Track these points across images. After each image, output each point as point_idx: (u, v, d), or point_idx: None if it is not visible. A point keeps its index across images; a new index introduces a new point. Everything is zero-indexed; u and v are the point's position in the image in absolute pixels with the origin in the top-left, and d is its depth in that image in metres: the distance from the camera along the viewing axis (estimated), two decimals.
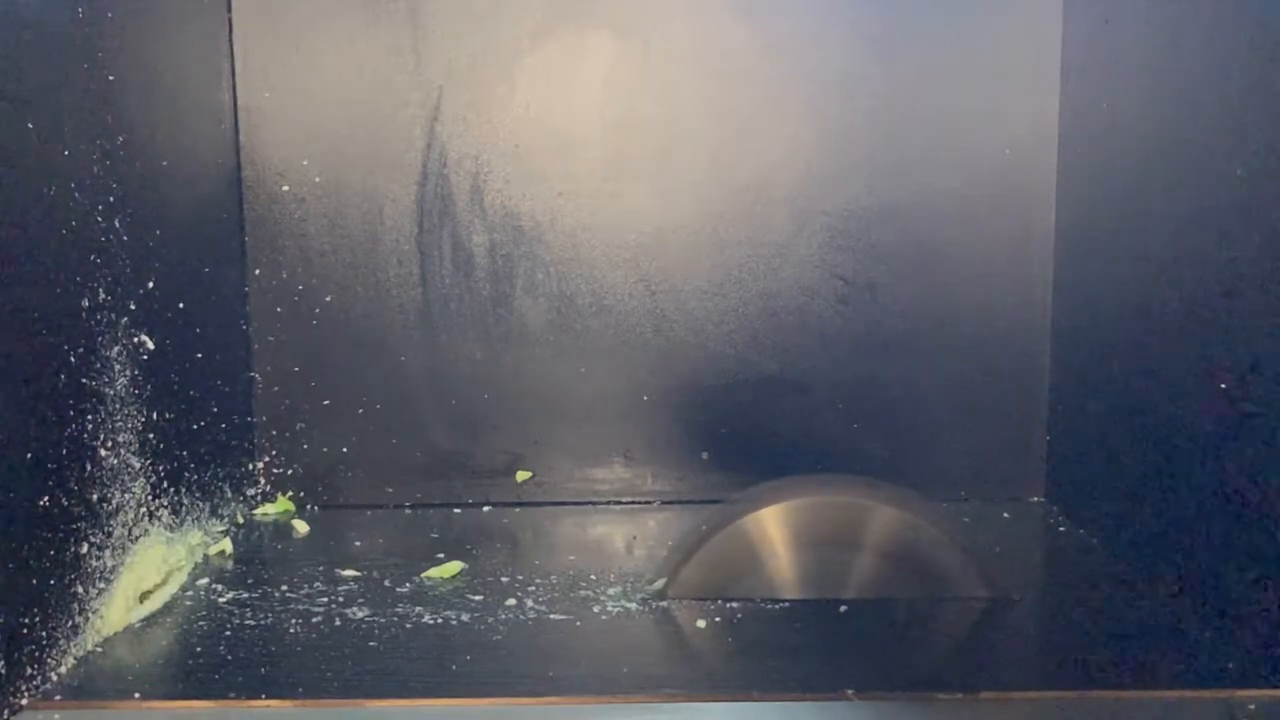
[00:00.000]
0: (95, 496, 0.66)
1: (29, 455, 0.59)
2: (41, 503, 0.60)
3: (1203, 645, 0.64)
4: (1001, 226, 0.93)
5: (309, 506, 0.95)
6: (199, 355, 0.83)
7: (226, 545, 0.83)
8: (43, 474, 0.61)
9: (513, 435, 0.96)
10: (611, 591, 0.74)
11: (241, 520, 0.90)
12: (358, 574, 0.78)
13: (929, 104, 0.92)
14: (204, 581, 0.77)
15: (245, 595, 0.74)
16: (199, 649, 0.65)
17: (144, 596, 0.71)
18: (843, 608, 0.70)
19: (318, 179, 0.93)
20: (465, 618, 0.69)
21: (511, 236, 0.94)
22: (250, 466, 0.94)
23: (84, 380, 0.65)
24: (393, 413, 0.95)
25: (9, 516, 0.57)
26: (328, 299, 0.94)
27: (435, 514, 0.94)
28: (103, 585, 0.67)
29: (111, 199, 0.69)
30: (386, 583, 0.76)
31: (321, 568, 0.79)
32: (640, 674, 0.62)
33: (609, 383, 0.95)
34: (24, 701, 0.58)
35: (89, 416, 0.66)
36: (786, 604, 0.71)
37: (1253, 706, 0.57)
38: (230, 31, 0.91)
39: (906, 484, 0.77)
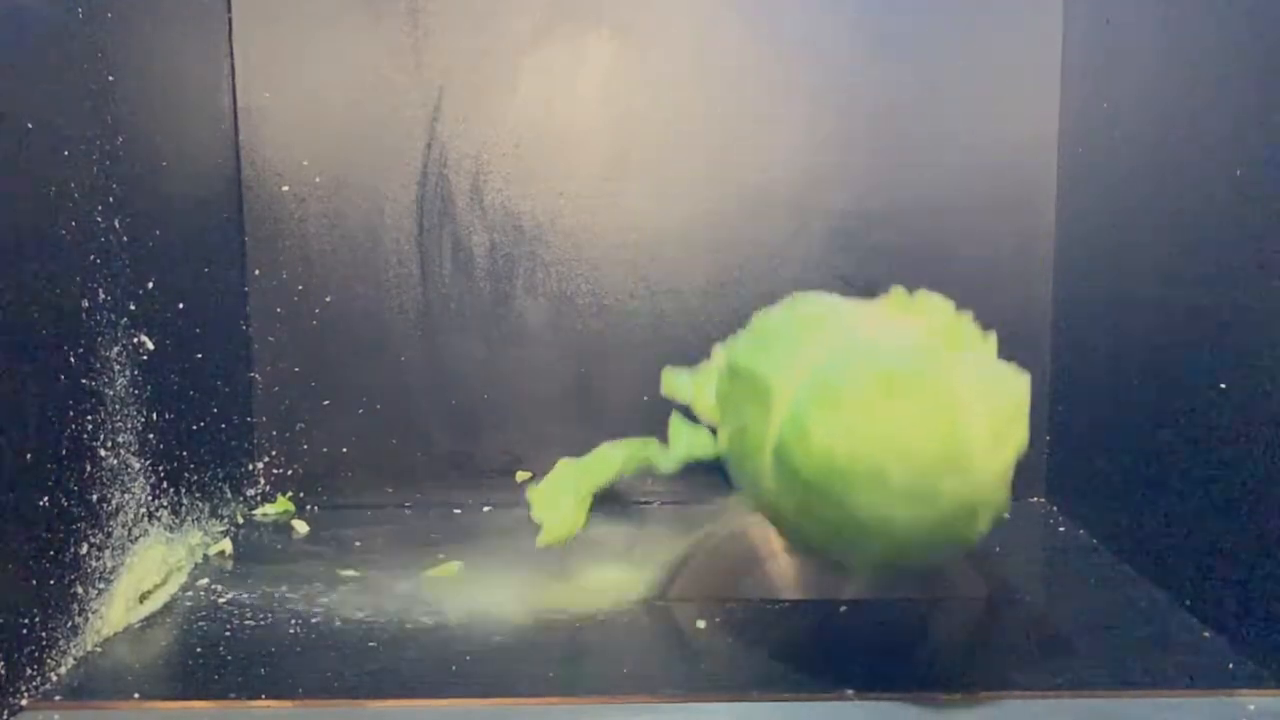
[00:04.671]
0: (95, 497, 0.66)
1: (29, 455, 0.59)
2: (41, 503, 0.60)
3: (1203, 645, 0.64)
4: (1002, 227, 0.93)
5: (309, 506, 0.95)
6: (199, 355, 0.83)
7: (226, 545, 0.83)
8: (43, 474, 0.61)
9: (513, 435, 0.96)
10: (612, 592, 0.74)
11: (241, 520, 0.90)
12: (357, 574, 0.78)
13: (929, 104, 0.92)
14: (204, 581, 0.77)
15: (245, 595, 0.74)
16: (199, 649, 0.65)
17: (144, 596, 0.71)
18: (842, 608, 0.70)
19: (318, 179, 0.93)
20: (465, 618, 0.69)
21: (511, 236, 0.94)
22: (250, 466, 0.94)
23: (84, 380, 0.65)
24: (393, 413, 0.95)
25: (9, 517, 0.57)
26: (328, 299, 0.94)
27: (435, 514, 0.94)
28: (103, 585, 0.67)
29: (111, 199, 0.69)
30: (386, 583, 0.76)
31: (321, 568, 0.79)
32: (640, 674, 0.62)
33: (609, 383, 0.95)
34: (24, 702, 0.58)
35: (89, 417, 0.66)
36: (786, 604, 0.71)
37: (1253, 707, 0.57)
38: (230, 31, 0.91)
39: None
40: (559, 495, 0.76)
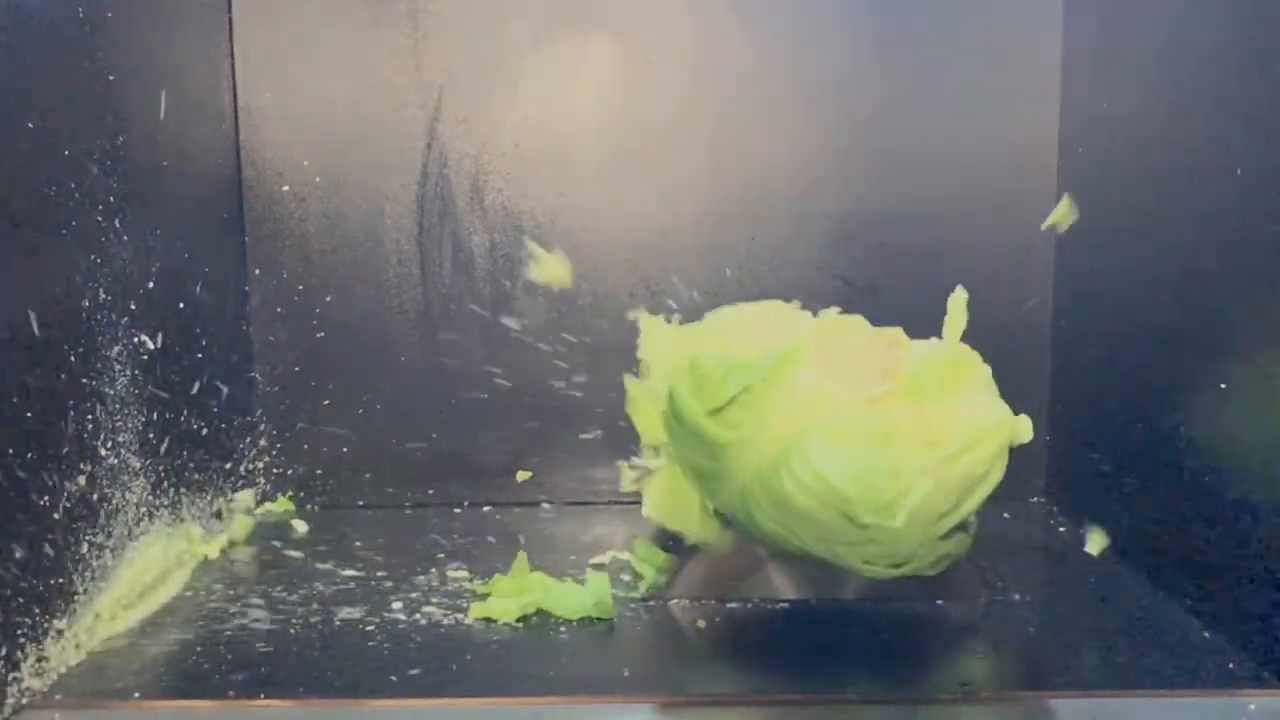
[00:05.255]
0: (96, 496, 0.66)
1: (29, 455, 0.59)
2: (42, 502, 0.60)
3: (1203, 645, 0.64)
4: (1002, 227, 0.93)
5: (309, 506, 0.95)
6: (199, 355, 0.83)
7: (226, 544, 0.83)
8: (43, 473, 0.61)
9: (513, 435, 0.96)
10: (611, 591, 0.74)
11: (242, 520, 0.90)
12: (357, 574, 0.78)
13: (929, 104, 0.92)
14: (204, 581, 0.77)
15: (245, 595, 0.74)
16: (199, 649, 0.65)
17: (144, 596, 0.71)
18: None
19: (318, 179, 0.93)
20: (465, 618, 0.69)
21: (511, 236, 0.94)
22: (250, 466, 0.94)
23: (84, 380, 0.65)
24: (393, 413, 0.95)
25: (9, 515, 0.57)
26: (328, 299, 0.94)
27: (435, 514, 0.94)
28: (103, 584, 0.67)
29: (111, 199, 0.69)
30: (386, 583, 0.76)
31: (321, 568, 0.79)
32: (640, 674, 0.62)
33: (608, 383, 0.95)
34: (24, 701, 0.58)
35: (89, 416, 0.66)
36: (786, 604, 0.71)
37: (1253, 706, 0.57)
38: (230, 31, 0.91)
39: None
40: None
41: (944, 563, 0.67)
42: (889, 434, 0.63)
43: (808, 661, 0.63)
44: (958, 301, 0.71)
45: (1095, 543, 0.72)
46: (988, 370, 0.70)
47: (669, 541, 0.79)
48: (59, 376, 0.63)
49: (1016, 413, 0.67)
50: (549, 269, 0.78)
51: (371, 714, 0.58)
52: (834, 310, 0.74)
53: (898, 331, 0.69)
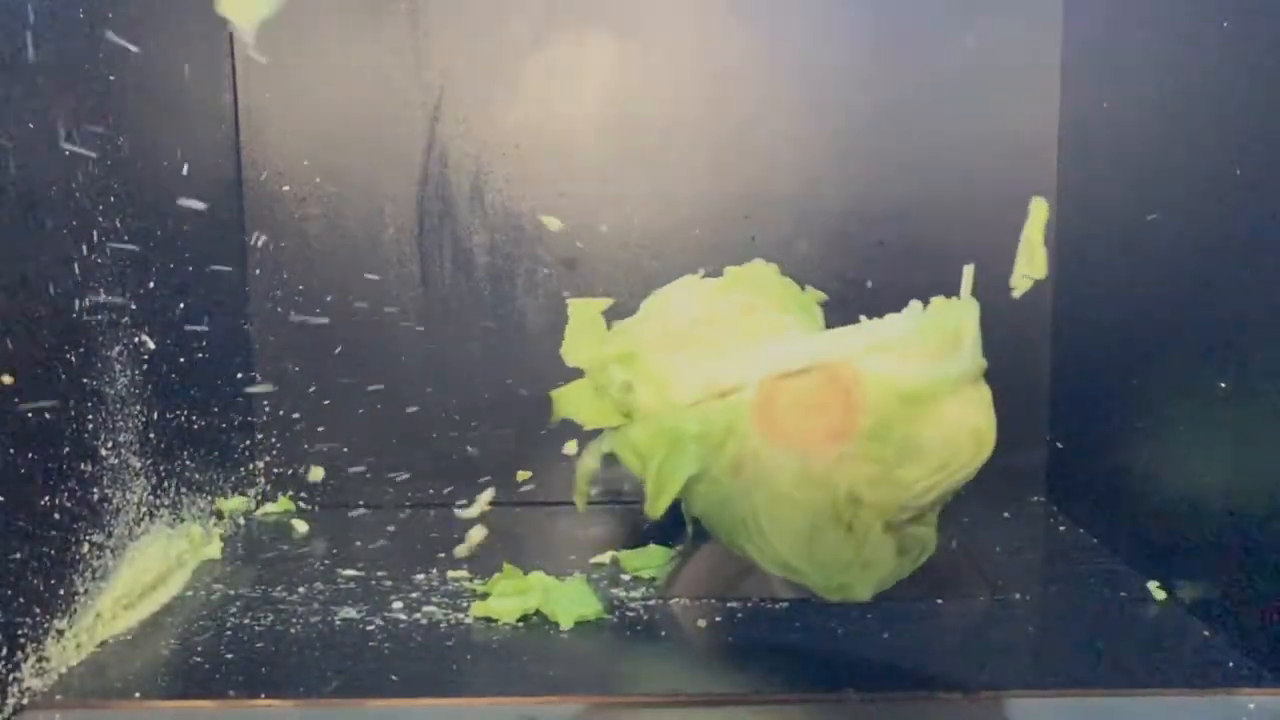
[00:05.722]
0: (96, 496, 0.66)
1: (30, 455, 0.59)
2: (42, 503, 0.60)
3: (1203, 645, 0.64)
4: (1001, 226, 0.93)
5: (309, 506, 0.95)
6: (199, 355, 0.83)
7: (225, 545, 0.83)
8: (44, 474, 0.61)
9: (513, 435, 0.96)
10: (612, 591, 0.74)
11: (242, 520, 0.90)
12: (357, 574, 0.78)
13: (929, 104, 0.92)
14: (204, 581, 0.77)
15: (245, 595, 0.74)
16: (199, 649, 0.65)
17: (144, 596, 0.71)
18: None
19: (318, 179, 0.93)
20: (466, 618, 0.69)
21: (511, 236, 0.94)
22: (250, 466, 0.94)
23: (84, 380, 0.65)
24: (393, 413, 0.95)
25: (9, 516, 0.57)
26: (328, 299, 0.94)
27: (435, 514, 0.94)
28: (103, 585, 0.67)
29: (111, 199, 0.69)
30: (387, 583, 0.76)
31: (321, 568, 0.79)
32: (641, 674, 0.62)
33: None
34: (24, 701, 0.58)
35: (89, 416, 0.66)
36: (786, 604, 0.71)
37: (1253, 706, 0.57)
38: (230, 31, 0.91)
39: None
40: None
41: (927, 536, 0.67)
42: (851, 498, 0.61)
43: (808, 661, 0.63)
44: (1039, 208, 0.68)
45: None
46: (972, 324, 0.67)
47: (645, 535, 0.80)
48: (59, 376, 0.63)
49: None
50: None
51: (371, 714, 0.58)
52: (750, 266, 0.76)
53: (850, 370, 0.63)
